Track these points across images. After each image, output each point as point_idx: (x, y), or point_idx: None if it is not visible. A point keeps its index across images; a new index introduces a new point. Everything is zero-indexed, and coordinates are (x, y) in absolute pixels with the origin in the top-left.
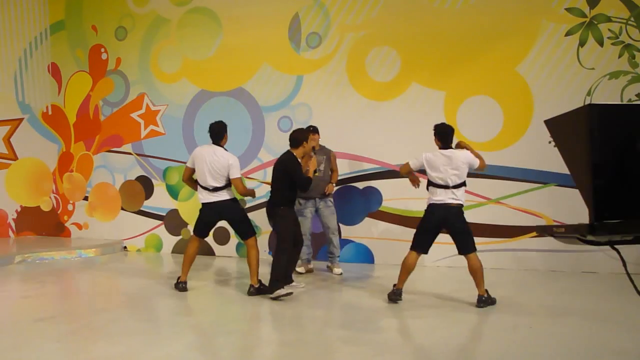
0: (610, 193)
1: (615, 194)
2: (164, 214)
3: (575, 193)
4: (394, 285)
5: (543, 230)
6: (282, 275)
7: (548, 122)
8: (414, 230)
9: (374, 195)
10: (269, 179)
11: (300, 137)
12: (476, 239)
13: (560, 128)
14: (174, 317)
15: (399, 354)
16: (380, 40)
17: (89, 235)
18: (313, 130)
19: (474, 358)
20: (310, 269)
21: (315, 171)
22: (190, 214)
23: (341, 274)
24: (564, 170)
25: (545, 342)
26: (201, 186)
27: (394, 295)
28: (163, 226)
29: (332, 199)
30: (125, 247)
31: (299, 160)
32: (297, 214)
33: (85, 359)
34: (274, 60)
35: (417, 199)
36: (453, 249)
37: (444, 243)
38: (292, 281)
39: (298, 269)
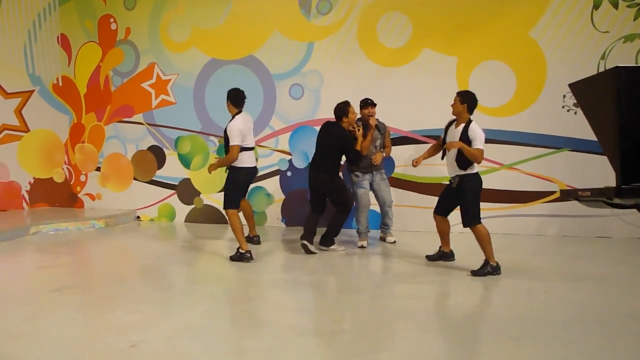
0: (636, 156)
1: None
2: (177, 184)
3: (589, 158)
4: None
5: (568, 195)
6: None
7: (573, 86)
8: (425, 196)
9: (387, 161)
10: (281, 146)
11: (343, 108)
12: (489, 205)
13: (586, 91)
14: (189, 285)
15: (414, 319)
16: (391, 6)
17: (102, 205)
18: (370, 103)
19: (489, 323)
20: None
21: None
22: (202, 183)
23: (394, 242)
24: (578, 135)
25: (560, 307)
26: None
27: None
28: (176, 195)
29: (385, 172)
30: (138, 217)
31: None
32: (355, 186)
33: (103, 327)
34: (284, 28)
35: (430, 165)
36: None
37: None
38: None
39: (361, 242)
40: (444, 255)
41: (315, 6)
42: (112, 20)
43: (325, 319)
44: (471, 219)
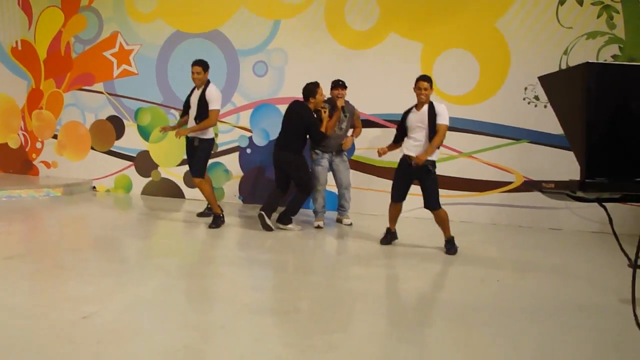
0: (601, 152)
1: (606, 153)
2: (135, 155)
3: (547, 151)
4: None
5: (532, 186)
6: (294, 213)
7: (542, 79)
8: (383, 180)
9: None
10: (242, 123)
11: (312, 89)
12: (446, 192)
13: (555, 85)
14: (143, 259)
15: (367, 302)
16: None
17: (58, 174)
18: (341, 84)
19: (442, 308)
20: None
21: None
22: (161, 156)
23: (351, 224)
24: (537, 127)
25: (512, 295)
26: None
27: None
28: (133, 167)
29: (346, 155)
30: (94, 187)
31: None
32: (314, 163)
33: (57, 297)
34: (251, 4)
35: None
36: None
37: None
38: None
39: (318, 222)
40: (394, 235)
41: None
42: None
43: (280, 298)
44: (438, 202)
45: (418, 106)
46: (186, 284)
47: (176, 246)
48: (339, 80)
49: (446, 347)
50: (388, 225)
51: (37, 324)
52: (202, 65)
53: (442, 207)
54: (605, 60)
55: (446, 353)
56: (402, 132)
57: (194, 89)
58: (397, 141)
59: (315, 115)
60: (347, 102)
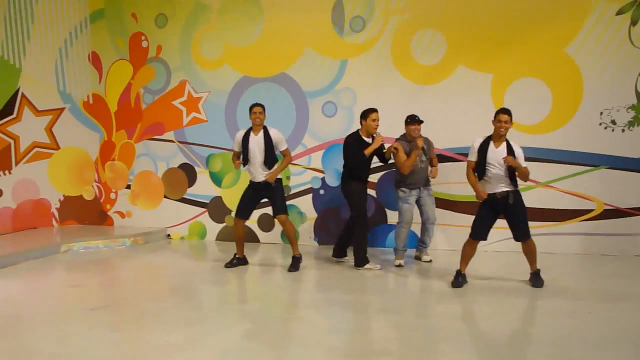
0: None
1: None
2: (208, 201)
3: (627, 175)
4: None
5: None
6: (366, 245)
7: None
8: (461, 215)
9: None
10: (314, 164)
11: (364, 112)
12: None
13: None
14: (225, 305)
15: (457, 341)
16: (425, 23)
17: (132, 223)
18: (417, 120)
19: (536, 343)
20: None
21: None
22: (234, 201)
23: (430, 261)
24: (616, 152)
25: (605, 326)
26: None
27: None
28: (207, 213)
29: (431, 188)
30: (168, 235)
31: (363, 138)
32: (401, 201)
33: (146, 347)
34: (317, 45)
35: (462, 183)
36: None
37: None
38: (345, 255)
39: (399, 261)
40: (464, 278)
41: (348, 24)
42: (143, 37)
43: (368, 340)
44: (528, 232)
45: (496, 141)
46: (271, 330)
47: (256, 291)
48: (415, 116)
49: None
50: (459, 267)
51: None
52: (263, 106)
53: None
54: None
55: None
56: (482, 167)
57: (247, 134)
58: (481, 177)
59: (360, 142)
60: (424, 138)
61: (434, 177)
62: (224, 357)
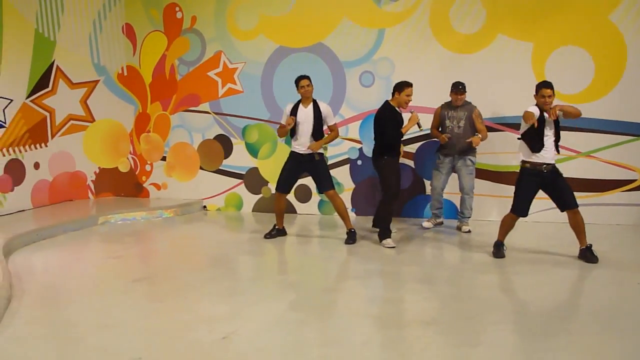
0: None
1: None
2: (244, 173)
3: None
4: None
5: None
6: (388, 223)
7: None
8: (502, 185)
9: None
10: (352, 135)
11: (398, 85)
12: None
13: None
14: (267, 276)
15: (505, 311)
16: None
17: (168, 195)
18: (456, 87)
19: (586, 314)
20: (439, 222)
21: (419, 125)
22: (270, 172)
23: (469, 231)
24: None
25: None
26: None
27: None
28: (243, 185)
29: (472, 159)
30: (205, 207)
31: (397, 109)
32: (434, 167)
33: (192, 318)
34: (353, 14)
35: (503, 153)
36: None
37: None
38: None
39: (424, 224)
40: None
41: None
42: (177, 9)
43: (413, 310)
44: (576, 200)
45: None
46: (314, 300)
47: (296, 262)
48: (458, 84)
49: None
50: (498, 238)
51: (177, 346)
52: (309, 78)
53: None
54: None
55: None
56: (540, 138)
57: (296, 105)
58: (539, 149)
59: (396, 115)
60: (466, 102)
61: (475, 146)
62: (272, 327)
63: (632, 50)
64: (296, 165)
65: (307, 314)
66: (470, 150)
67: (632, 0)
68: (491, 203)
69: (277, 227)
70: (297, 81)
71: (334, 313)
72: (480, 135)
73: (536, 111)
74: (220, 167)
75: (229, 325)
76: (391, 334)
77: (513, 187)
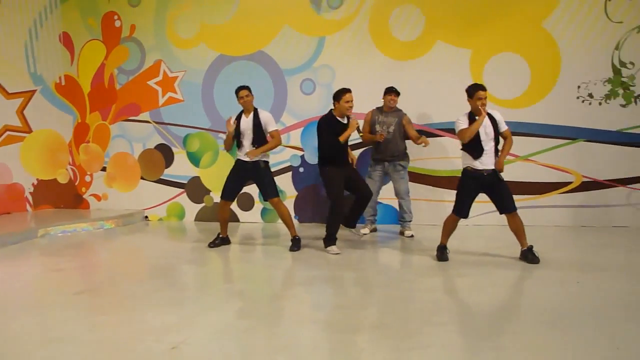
0: None
1: None
2: (186, 182)
3: (604, 148)
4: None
5: None
6: (334, 231)
7: None
8: (444, 190)
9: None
10: (293, 142)
11: (337, 93)
12: None
13: None
14: (214, 284)
15: (451, 313)
16: None
17: (109, 206)
18: (388, 90)
19: (530, 313)
20: (373, 228)
21: (358, 130)
22: (212, 181)
23: (412, 236)
24: (593, 125)
25: (594, 295)
26: None
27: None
28: (185, 194)
29: (402, 164)
30: (146, 217)
31: (338, 118)
32: (367, 174)
33: (139, 329)
34: (294, 22)
35: (441, 158)
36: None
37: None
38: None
39: (362, 230)
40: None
41: (325, 0)
42: (116, 17)
43: (361, 315)
44: (514, 203)
45: (479, 115)
46: (263, 308)
47: (242, 270)
48: (392, 87)
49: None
50: (441, 241)
51: (126, 357)
52: (249, 88)
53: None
54: None
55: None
56: (477, 145)
57: (239, 116)
58: (478, 156)
59: (333, 124)
60: (396, 109)
61: (426, 145)
62: (221, 336)
63: (565, 56)
64: (241, 173)
65: (255, 321)
66: (400, 155)
67: (565, 8)
68: (433, 207)
69: (221, 235)
70: (237, 92)
71: (282, 320)
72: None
73: (466, 123)
74: (161, 177)
75: (178, 335)
76: (341, 339)
77: (454, 192)
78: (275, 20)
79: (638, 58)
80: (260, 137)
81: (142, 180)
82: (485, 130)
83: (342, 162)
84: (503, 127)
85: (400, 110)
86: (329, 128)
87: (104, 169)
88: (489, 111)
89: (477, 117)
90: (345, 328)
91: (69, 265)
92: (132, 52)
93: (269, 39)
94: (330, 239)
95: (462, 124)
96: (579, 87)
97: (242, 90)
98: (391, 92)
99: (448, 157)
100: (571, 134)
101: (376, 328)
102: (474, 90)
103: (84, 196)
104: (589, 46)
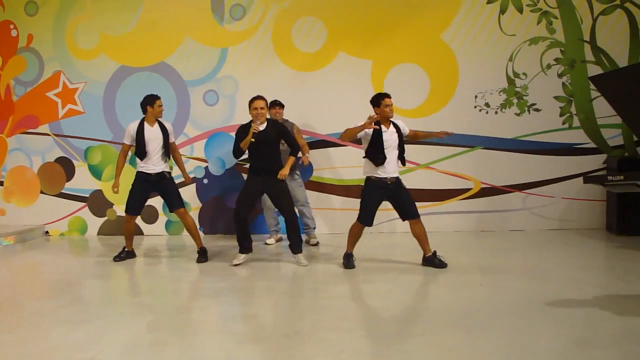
0: None
1: None
2: (87, 195)
3: (501, 155)
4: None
5: (594, 181)
6: (240, 240)
7: (595, 79)
8: (349, 199)
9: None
10: (197, 154)
11: (373, 100)
12: None
13: (614, 83)
14: (122, 298)
15: (360, 319)
16: (305, 11)
17: (7, 222)
18: (274, 103)
19: (439, 315)
20: (279, 238)
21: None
22: (114, 194)
23: (317, 244)
24: (490, 133)
25: (497, 295)
26: None
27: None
28: (87, 208)
29: (298, 172)
30: (47, 232)
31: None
32: None
33: (48, 347)
34: (196, 34)
35: (345, 167)
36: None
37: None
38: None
39: (267, 241)
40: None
41: (228, 11)
42: (12, 26)
43: (273, 324)
44: (417, 210)
45: (386, 124)
46: (174, 320)
47: (150, 283)
48: (275, 100)
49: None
50: (347, 249)
51: None
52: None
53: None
54: (549, 65)
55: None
56: (379, 153)
57: (141, 124)
58: (380, 164)
59: (242, 131)
60: (285, 120)
61: (305, 165)
62: (133, 350)
63: (462, 67)
64: (145, 186)
65: (166, 334)
66: (295, 165)
67: (461, 20)
68: (338, 216)
69: (126, 249)
70: (154, 100)
71: (194, 332)
72: (307, 155)
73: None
74: (62, 191)
75: (88, 351)
76: (254, 349)
77: (359, 200)
78: (178, 31)
79: (530, 69)
80: (168, 148)
81: (41, 194)
82: (387, 138)
83: (257, 170)
84: (406, 131)
85: (288, 120)
86: (241, 133)
87: (1, 184)
88: (393, 120)
89: (383, 125)
90: (257, 337)
91: None
92: (30, 62)
93: (171, 50)
94: (241, 249)
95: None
96: (476, 96)
97: (159, 100)
98: (275, 105)
99: (351, 165)
100: (470, 142)
101: (287, 337)
102: (380, 99)
103: None
104: (484, 57)
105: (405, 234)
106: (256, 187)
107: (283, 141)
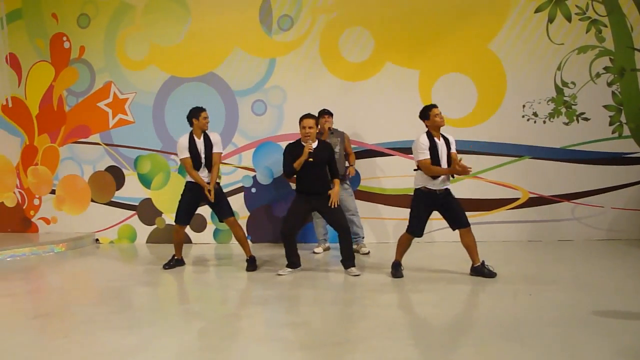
0: None
1: None
2: (137, 204)
3: (549, 165)
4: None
5: None
6: (287, 255)
7: None
8: (397, 208)
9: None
10: (245, 163)
11: (422, 113)
12: None
13: None
14: (172, 305)
15: (410, 328)
16: (353, 21)
17: (58, 229)
18: (323, 112)
19: (487, 325)
20: (327, 247)
21: (310, 156)
22: (164, 202)
23: (368, 253)
24: (538, 143)
25: (547, 306)
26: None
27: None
28: (136, 216)
29: (348, 182)
30: (97, 240)
31: (302, 143)
32: None
33: (102, 351)
34: (245, 44)
35: (393, 177)
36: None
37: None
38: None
39: (315, 249)
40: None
41: (276, 22)
42: (65, 38)
43: (323, 332)
44: (467, 219)
45: (437, 135)
46: (224, 327)
47: (199, 291)
48: (324, 109)
49: None
50: (396, 259)
51: None
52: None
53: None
54: (599, 74)
55: None
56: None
57: (191, 138)
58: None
59: (293, 149)
60: (335, 129)
61: (351, 175)
62: (184, 356)
63: (510, 76)
64: (195, 197)
65: (216, 341)
66: (345, 175)
67: (509, 30)
68: (388, 226)
69: (175, 257)
70: (199, 112)
71: (244, 339)
72: (352, 165)
73: (425, 141)
74: (112, 199)
75: (141, 357)
76: (304, 356)
77: (407, 209)
78: (226, 42)
79: (579, 78)
80: (209, 159)
81: (92, 202)
82: (441, 152)
83: (307, 192)
84: (453, 148)
85: (339, 130)
86: (291, 152)
87: (53, 192)
88: (443, 133)
89: (434, 137)
90: (306, 345)
91: (21, 290)
92: (82, 73)
93: (220, 60)
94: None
95: (424, 150)
96: (524, 106)
97: (205, 111)
98: (324, 114)
99: (399, 175)
100: (518, 152)
101: (337, 344)
102: (427, 111)
103: (33, 219)
104: (532, 66)
105: (450, 243)
106: (306, 207)
107: None
